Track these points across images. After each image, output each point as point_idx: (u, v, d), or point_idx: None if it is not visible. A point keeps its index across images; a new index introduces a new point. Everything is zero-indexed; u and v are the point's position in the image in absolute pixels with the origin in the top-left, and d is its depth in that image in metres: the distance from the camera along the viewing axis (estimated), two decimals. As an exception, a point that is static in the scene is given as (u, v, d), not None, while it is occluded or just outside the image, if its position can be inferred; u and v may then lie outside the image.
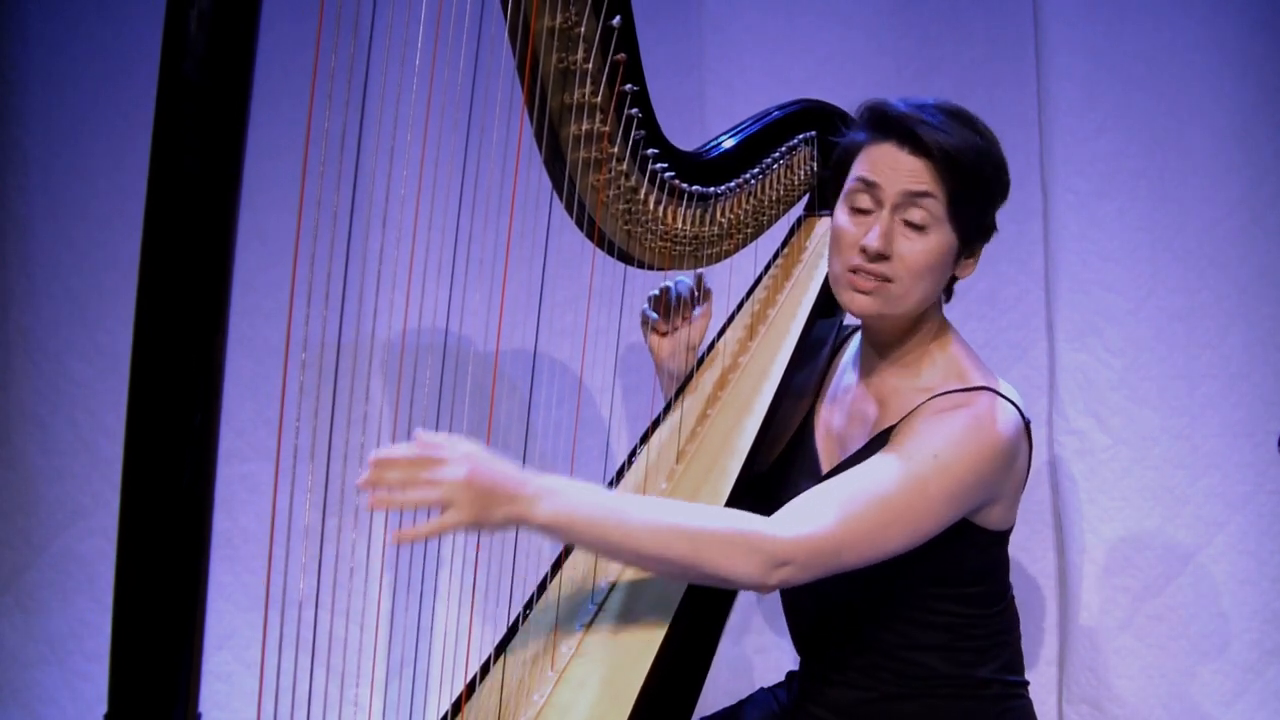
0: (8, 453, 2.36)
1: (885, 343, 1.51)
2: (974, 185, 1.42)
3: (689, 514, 1.33)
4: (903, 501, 1.34)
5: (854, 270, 1.44)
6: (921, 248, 1.42)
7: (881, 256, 1.41)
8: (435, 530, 1.19)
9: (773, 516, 1.33)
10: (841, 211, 1.47)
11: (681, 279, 1.74)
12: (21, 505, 2.36)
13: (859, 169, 1.46)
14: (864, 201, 1.44)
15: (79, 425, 2.35)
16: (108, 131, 2.29)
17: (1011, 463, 1.43)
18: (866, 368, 1.55)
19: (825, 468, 1.54)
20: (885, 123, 1.44)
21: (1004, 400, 1.44)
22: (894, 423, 1.44)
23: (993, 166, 1.45)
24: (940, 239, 1.42)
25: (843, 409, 1.57)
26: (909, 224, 1.42)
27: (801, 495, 1.36)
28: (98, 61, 2.30)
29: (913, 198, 1.41)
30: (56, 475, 2.36)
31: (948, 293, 1.53)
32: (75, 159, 2.32)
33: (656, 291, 1.75)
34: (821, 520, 1.32)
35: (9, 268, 2.34)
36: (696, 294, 1.76)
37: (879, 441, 1.45)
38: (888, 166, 1.42)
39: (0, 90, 2.30)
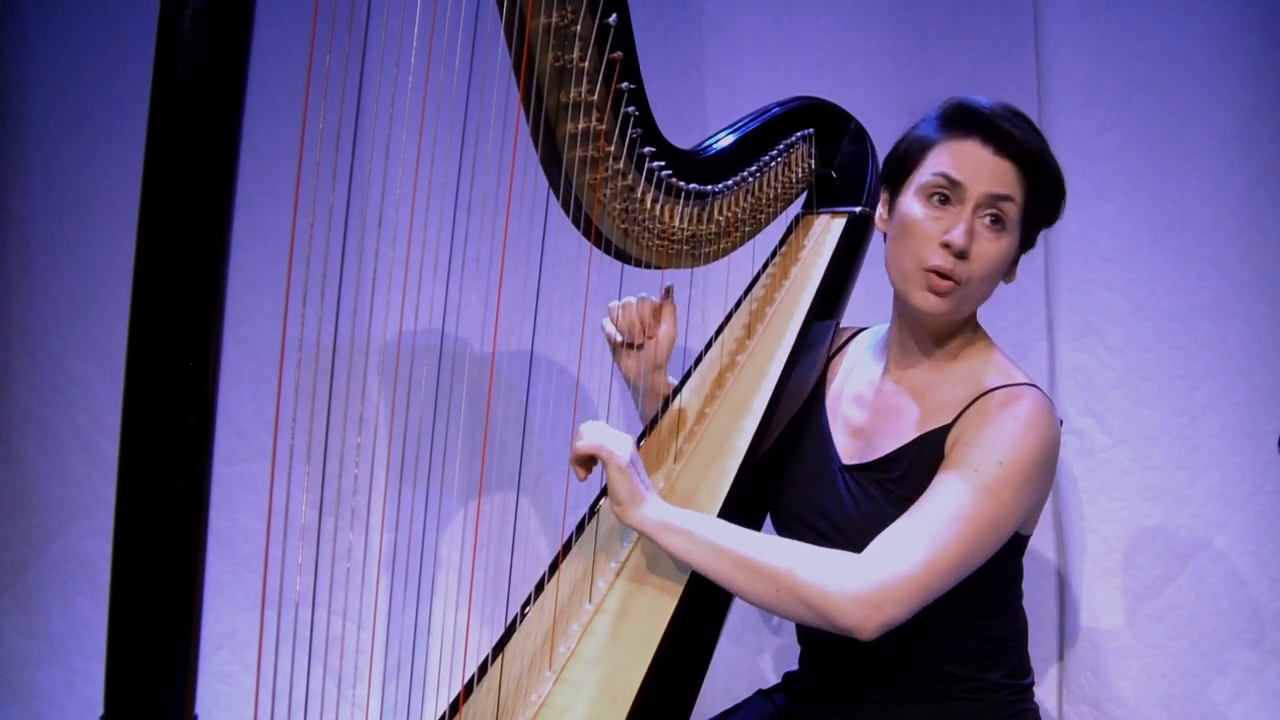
0: (8, 453, 2.36)
1: (929, 341, 1.51)
2: (1050, 191, 1.46)
3: (781, 556, 1.34)
4: (983, 517, 1.35)
5: (932, 270, 1.43)
6: (995, 250, 1.43)
7: (963, 255, 1.41)
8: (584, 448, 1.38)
9: (860, 559, 1.33)
10: (916, 204, 1.45)
11: (644, 295, 1.68)
12: (21, 505, 2.37)
13: (939, 163, 1.44)
14: (943, 197, 1.43)
15: (79, 425, 2.35)
16: (108, 131, 2.29)
17: (1057, 459, 1.44)
18: (900, 364, 1.55)
19: (847, 460, 1.54)
20: (971, 119, 1.44)
21: (1046, 396, 1.45)
22: (946, 422, 1.44)
23: (1060, 176, 1.47)
24: (1011, 242, 1.45)
25: (866, 404, 1.57)
26: (988, 225, 1.42)
27: (882, 535, 1.35)
28: (98, 61, 2.31)
29: (995, 200, 1.42)
30: (56, 475, 2.36)
31: None
32: (75, 159, 2.32)
33: (616, 306, 1.69)
34: (911, 558, 1.31)
35: (9, 268, 2.35)
36: (659, 311, 1.69)
37: (931, 440, 1.44)
38: (972, 165, 1.42)
39: (0, 90, 2.31)
